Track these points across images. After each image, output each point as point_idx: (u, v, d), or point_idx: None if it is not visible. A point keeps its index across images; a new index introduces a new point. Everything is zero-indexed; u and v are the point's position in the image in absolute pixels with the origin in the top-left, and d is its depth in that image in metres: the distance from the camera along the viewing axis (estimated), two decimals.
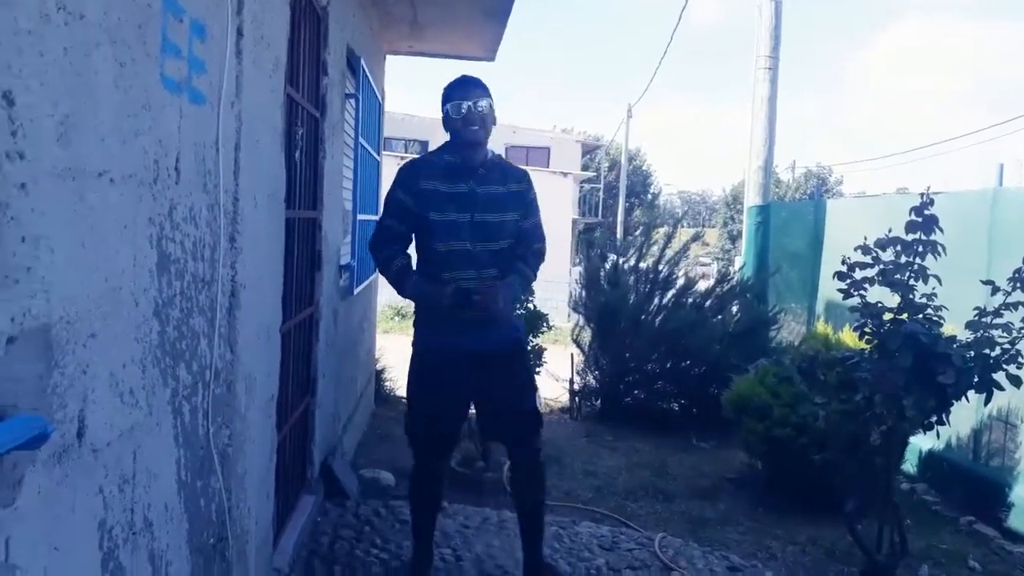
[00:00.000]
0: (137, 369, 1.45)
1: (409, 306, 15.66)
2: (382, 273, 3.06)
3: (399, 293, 2.98)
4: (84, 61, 1.15)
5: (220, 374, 1.96)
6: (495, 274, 2.86)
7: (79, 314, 1.20)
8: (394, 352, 7.78)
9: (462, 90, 2.88)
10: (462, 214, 2.84)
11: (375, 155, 5.58)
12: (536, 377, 3.05)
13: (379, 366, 6.95)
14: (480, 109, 2.83)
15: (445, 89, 2.94)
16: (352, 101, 4.41)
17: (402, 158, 18.01)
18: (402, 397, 6.93)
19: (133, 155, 1.37)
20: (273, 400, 2.62)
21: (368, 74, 4.78)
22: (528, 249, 3.02)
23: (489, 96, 2.90)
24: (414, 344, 3.05)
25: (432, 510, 3.13)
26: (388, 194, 2.98)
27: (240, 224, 2.06)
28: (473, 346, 2.83)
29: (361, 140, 4.64)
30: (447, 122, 2.91)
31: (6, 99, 0.96)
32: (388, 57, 6.47)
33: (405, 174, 2.92)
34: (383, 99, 6.05)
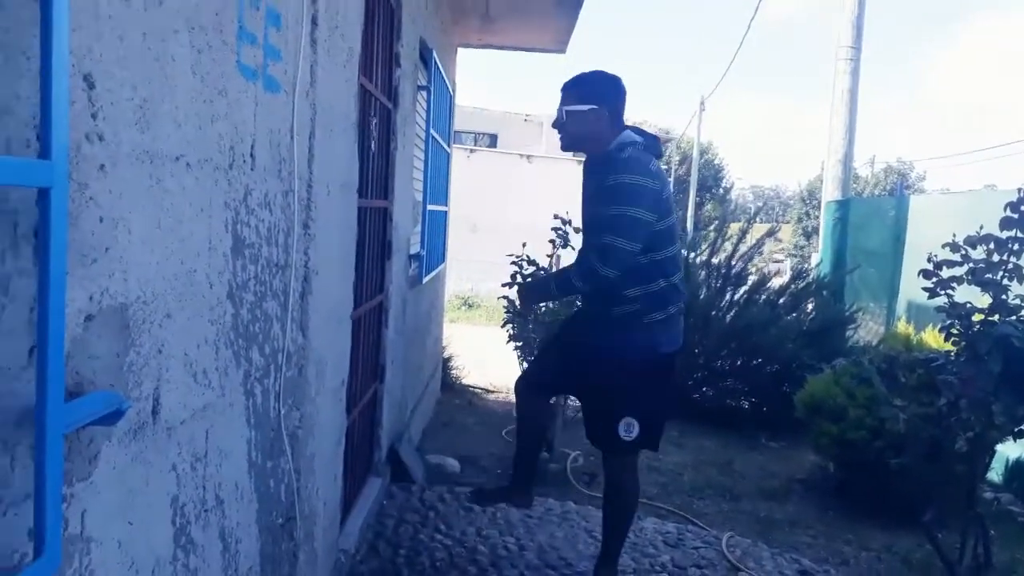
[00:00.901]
0: (211, 350, 1.48)
1: (476, 297, 15.69)
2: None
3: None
4: (162, 46, 1.18)
5: (292, 357, 2.00)
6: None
7: (155, 295, 1.23)
8: (460, 341, 7.86)
9: (561, 95, 2.91)
10: (581, 209, 2.98)
11: (446, 147, 5.62)
12: (634, 404, 2.81)
13: (445, 355, 7.02)
14: (568, 115, 2.85)
15: None
16: (424, 93, 4.45)
17: (471, 151, 18.15)
18: (468, 386, 7.05)
19: (209, 140, 1.40)
20: (343, 385, 2.66)
21: (440, 66, 4.81)
22: (586, 242, 2.93)
23: (582, 100, 2.81)
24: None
25: (539, 433, 3.23)
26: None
27: (314, 211, 2.09)
28: (581, 337, 2.92)
29: (432, 132, 4.67)
30: None
31: (87, 82, 0.98)
32: (459, 50, 6.50)
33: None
34: (454, 92, 6.08)
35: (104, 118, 1.02)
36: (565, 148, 3.01)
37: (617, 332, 2.79)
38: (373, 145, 3.05)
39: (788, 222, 33.69)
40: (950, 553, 3.31)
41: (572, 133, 2.87)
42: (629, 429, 2.78)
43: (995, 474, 4.89)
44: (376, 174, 3.24)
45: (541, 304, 4.54)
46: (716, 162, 44.38)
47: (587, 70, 2.91)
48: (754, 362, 5.99)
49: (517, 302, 2.93)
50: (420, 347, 5.00)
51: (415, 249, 4.45)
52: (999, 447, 4.29)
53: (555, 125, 2.90)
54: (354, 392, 2.99)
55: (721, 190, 43.98)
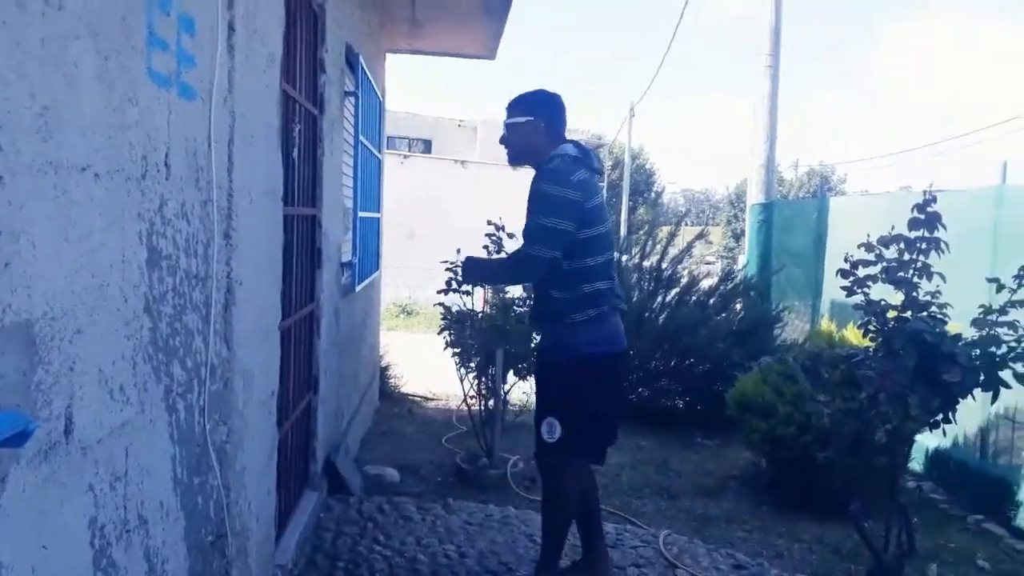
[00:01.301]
0: (128, 366, 1.43)
1: (414, 304, 15.52)
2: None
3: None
4: (63, 53, 1.14)
5: (216, 371, 1.95)
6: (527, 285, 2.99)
7: (64, 310, 1.18)
8: (399, 349, 7.79)
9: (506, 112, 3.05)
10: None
11: (376, 153, 5.57)
12: (554, 404, 2.89)
13: (384, 363, 6.95)
14: (504, 131, 3.02)
15: None
16: (351, 99, 4.40)
17: (405, 156, 18.04)
18: (408, 394, 6.99)
19: (119, 149, 1.36)
20: (273, 397, 2.61)
21: (367, 72, 4.77)
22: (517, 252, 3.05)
23: (514, 113, 3.01)
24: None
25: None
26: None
27: (235, 220, 2.04)
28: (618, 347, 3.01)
29: (361, 138, 4.62)
30: None
31: None
32: (389, 56, 6.46)
33: None
34: (384, 97, 6.04)
35: (0, 127, 0.98)
36: (512, 162, 3.07)
37: (544, 333, 3.01)
38: (298, 152, 3.00)
39: (718, 225, 34.53)
40: (876, 541, 3.44)
41: (514, 145, 3.01)
42: (551, 430, 2.84)
43: (916, 463, 5.10)
44: (303, 181, 3.19)
45: (478, 284, 4.59)
46: (647, 167, 45.13)
47: (529, 89, 3.06)
48: (687, 362, 6.11)
49: (459, 274, 3.01)
50: (356, 356, 4.94)
51: (347, 257, 4.40)
52: (919, 437, 4.48)
53: (501, 141, 3.03)
54: (286, 404, 2.93)
55: (653, 194, 44.76)
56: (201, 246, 1.82)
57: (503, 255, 3.06)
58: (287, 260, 2.85)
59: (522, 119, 2.97)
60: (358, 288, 4.68)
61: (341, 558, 3.14)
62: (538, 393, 2.99)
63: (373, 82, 5.12)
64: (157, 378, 1.57)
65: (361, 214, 4.70)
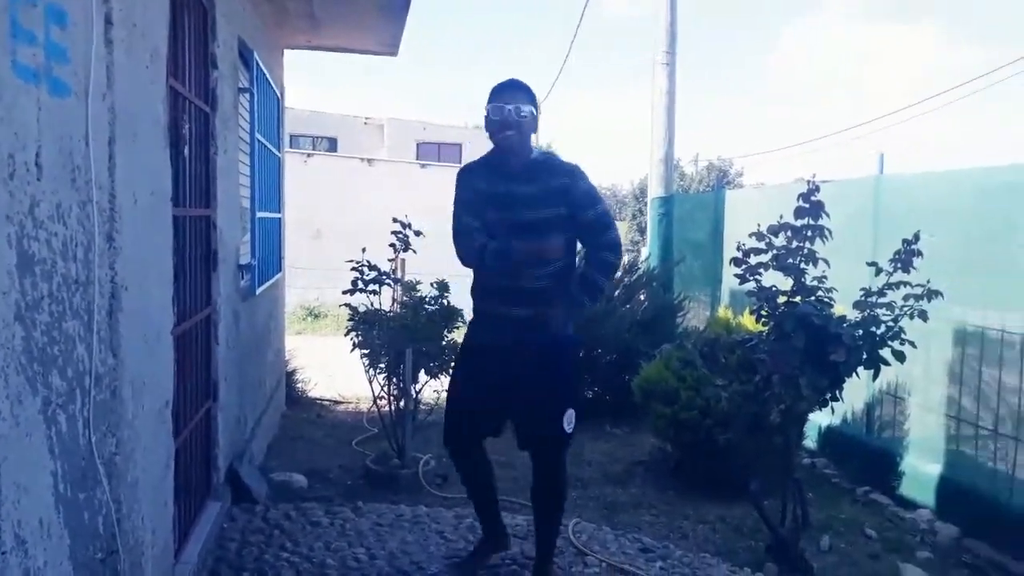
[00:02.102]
0: None
1: (322, 306, 15.17)
2: (474, 260, 2.99)
3: (500, 261, 2.92)
4: None
5: (102, 380, 1.87)
6: (536, 274, 2.89)
7: None
8: (307, 353, 7.63)
9: (507, 93, 2.89)
10: (502, 212, 2.90)
11: (275, 151, 5.43)
12: (575, 394, 3.03)
13: (290, 367, 6.79)
14: (522, 115, 2.87)
15: (490, 92, 2.93)
16: (246, 95, 4.28)
17: (308, 155, 17.66)
18: (316, 398, 6.84)
19: None
20: (168, 405, 2.51)
21: (263, 68, 4.65)
22: (594, 244, 3.00)
23: (532, 103, 2.93)
24: (464, 341, 3.18)
25: (486, 488, 3.17)
26: (455, 201, 3.04)
27: (119, 222, 1.96)
28: (517, 341, 2.88)
29: (258, 136, 4.50)
30: (487, 124, 2.92)
31: None
32: (288, 52, 6.31)
33: (462, 179, 3.05)
34: (282, 94, 5.89)
35: None
36: (510, 147, 2.89)
37: (561, 322, 2.95)
38: (187, 151, 2.89)
39: (624, 219, 35.29)
40: (773, 517, 3.61)
41: (524, 135, 2.91)
42: (571, 422, 2.96)
43: (810, 441, 5.37)
44: (195, 181, 3.08)
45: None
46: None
47: (510, 77, 3.00)
48: (595, 352, 6.23)
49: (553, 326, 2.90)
50: (259, 361, 4.81)
51: (246, 259, 4.27)
52: (811, 416, 4.72)
53: (509, 121, 2.84)
54: (183, 412, 2.83)
55: None
56: (81, 249, 1.73)
57: (593, 274, 2.97)
58: (180, 263, 2.75)
59: (534, 111, 2.94)
60: (259, 291, 4.55)
61: (246, 568, 3.05)
62: (557, 384, 2.93)
63: (270, 78, 4.99)
64: (33, 390, 1.48)
65: (260, 214, 4.58)
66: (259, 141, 4.54)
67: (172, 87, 2.59)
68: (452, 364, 3.20)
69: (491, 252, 2.88)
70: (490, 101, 2.89)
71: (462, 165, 3.14)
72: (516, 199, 2.89)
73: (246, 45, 4.17)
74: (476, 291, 3.05)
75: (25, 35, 1.43)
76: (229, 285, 3.64)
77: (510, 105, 2.84)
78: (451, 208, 3.03)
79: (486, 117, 2.91)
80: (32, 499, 1.49)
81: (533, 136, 3.04)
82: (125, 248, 1.99)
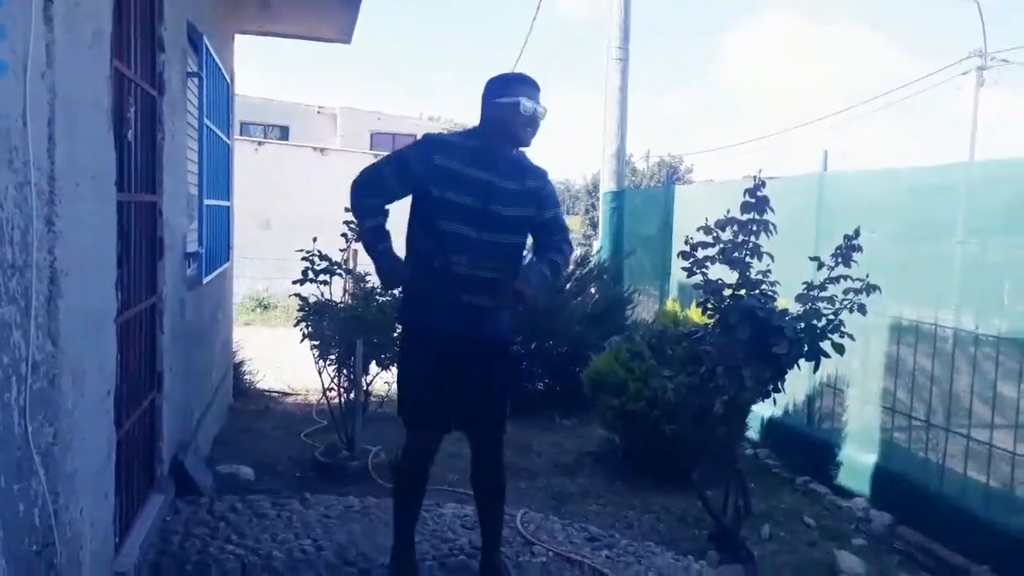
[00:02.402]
0: None
1: (272, 297, 14.85)
2: (356, 216, 2.91)
3: (365, 249, 2.88)
4: None
5: (39, 368, 1.82)
6: (494, 266, 2.82)
7: None
8: (256, 344, 7.52)
9: (534, 89, 2.81)
10: (476, 200, 2.78)
11: (224, 138, 5.33)
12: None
13: (238, 359, 6.69)
14: (541, 117, 2.83)
15: (510, 80, 2.84)
16: (195, 80, 4.19)
17: (260, 143, 17.35)
18: (264, 390, 6.75)
19: None
20: (110, 395, 2.46)
21: (213, 53, 4.55)
22: (552, 240, 2.99)
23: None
24: (406, 323, 3.01)
25: (420, 495, 3.07)
26: (398, 152, 2.89)
27: (58, 206, 1.91)
28: (473, 331, 2.83)
29: (207, 122, 4.41)
30: (503, 113, 2.78)
31: None
32: (241, 38, 6.19)
33: (423, 145, 2.84)
34: (232, 80, 5.78)
35: None
36: (521, 143, 2.86)
37: (503, 318, 2.98)
38: (132, 135, 2.82)
39: (577, 214, 35.50)
40: (716, 507, 3.70)
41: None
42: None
43: (753, 432, 5.51)
44: (141, 166, 3.01)
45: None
46: None
47: (521, 72, 2.93)
48: (546, 344, 6.28)
49: (531, 301, 2.79)
50: (206, 351, 4.72)
51: (192, 247, 4.19)
52: (754, 407, 4.84)
53: (538, 119, 2.82)
54: (126, 403, 2.77)
55: None
56: (18, 232, 1.68)
57: (554, 256, 2.95)
58: (124, 250, 2.69)
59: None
60: (206, 280, 4.47)
61: (189, 560, 3.00)
62: (504, 378, 3.02)
63: (220, 64, 4.89)
64: None
65: (208, 202, 4.49)
66: (208, 127, 4.46)
67: (117, 69, 2.52)
68: (400, 346, 3.07)
69: (377, 255, 2.83)
70: (518, 93, 2.77)
71: (432, 134, 2.92)
72: (497, 192, 2.82)
73: (195, 28, 4.08)
74: (427, 274, 2.85)
75: None
76: (175, 273, 3.57)
77: (541, 106, 2.81)
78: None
79: (508, 107, 2.76)
80: None
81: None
82: (65, 232, 1.94)
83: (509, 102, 2.76)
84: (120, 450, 2.63)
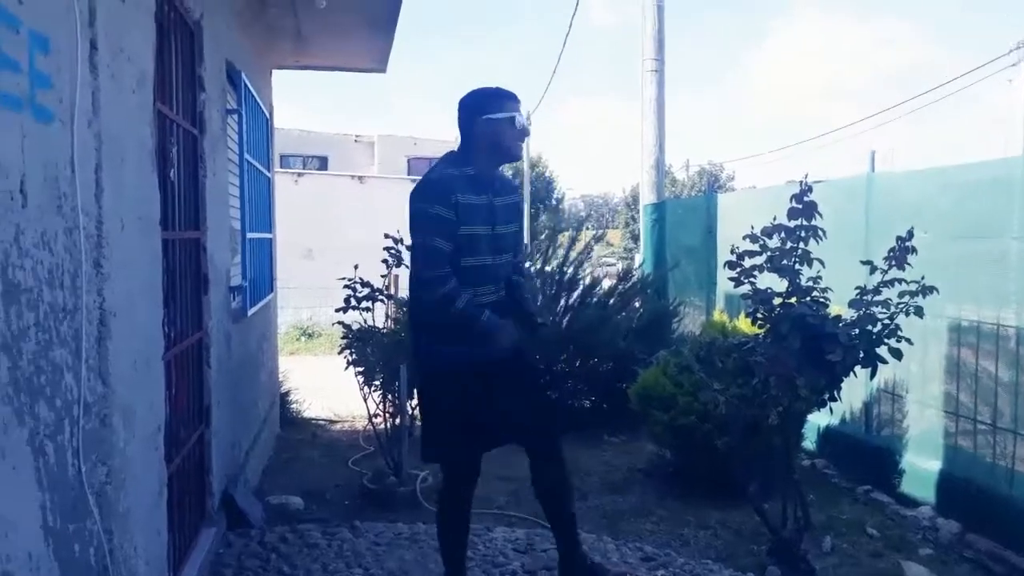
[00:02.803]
0: None
1: (316, 326, 15.01)
2: (447, 307, 2.71)
3: (475, 326, 2.74)
4: None
5: (91, 408, 1.84)
6: (499, 287, 2.85)
7: None
8: (301, 373, 7.58)
9: (518, 103, 2.82)
10: (485, 227, 2.79)
11: (265, 171, 5.42)
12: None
13: (284, 388, 6.75)
14: (529, 130, 2.85)
15: (500, 96, 2.82)
16: (235, 117, 4.27)
17: (299, 175, 17.65)
18: (311, 419, 6.80)
19: None
20: (160, 432, 2.49)
21: (251, 89, 4.64)
22: (518, 260, 3.03)
23: None
24: (434, 364, 2.85)
25: (465, 533, 3.02)
26: (422, 219, 2.73)
27: (106, 248, 1.94)
28: (500, 353, 2.79)
29: (247, 157, 4.49)
30: (497, 129, 2.77)
31: None
32: (276, 72, 6.31)
33: (437, 190, 2.72)
34: (271, 114, 5.89)
35: None
36: (512, 158, 2.90)
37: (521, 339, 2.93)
38: (175, 174, 2.88)
39: (617, 227, 35.38)
40: (774, 520, 3.59)
41: None
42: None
43: (809, 442, 5.36)
44: (184, 204, 3.06)
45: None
46: (547, 175, 45.78)
47: (500, 87, 2.90)
48: (591, 362, 6.21)
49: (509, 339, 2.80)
50: (252, 383, 4.78)
51: (236, 281, 4.25)
52: (809, 417, 4.71)
53: (527, 130, 2.84)
54: (176, 438, 2.80)
55: (553, 201, 45.44)
56: (68, 276, 1.71)
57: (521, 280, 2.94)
58: (170, 287, 2.73)
59: None
60: (250, 312, 4.53)
61: None
62: (536, 371, 3.14)
63: (258, 99, 4.99)
64: (19, 421, 1.46)
65: (250, 235, 4.56)
66: (248, 162, 4.53)
67: (159, 110, 2.57)
68: (425, 395, 2.97)
69: (486, 325, 2.71)
70: (508, 109, 2.76)
71: (433, 177, 2.79)
72: (498, 212, 2.84)
73: (234, 66, 4.17)
74: (446, 331, 2.78)
75: (8, 62, 1.42)
76: (220, 307, 3.62)
77: (527, 120, 2.84)
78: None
79: (502, 123, 2.75)
80: (20, 533, 1.47)
81: (526, 146, 3.08)
82: (113, 274, 1.97)
83: (503, 117, 2.76)
84: (171, 486, 2.66)
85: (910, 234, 3.39)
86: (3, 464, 1.39)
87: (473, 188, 2.77)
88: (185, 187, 3.10)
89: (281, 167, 15.11)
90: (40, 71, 1.59)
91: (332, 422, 6.76)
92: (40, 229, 1.58)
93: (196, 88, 3.32)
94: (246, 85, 4.45)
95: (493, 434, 2.90)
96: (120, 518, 2.01)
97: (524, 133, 2.79)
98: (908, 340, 3.34)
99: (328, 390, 7.10)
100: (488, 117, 2.76)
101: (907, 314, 3.33)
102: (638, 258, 9.03)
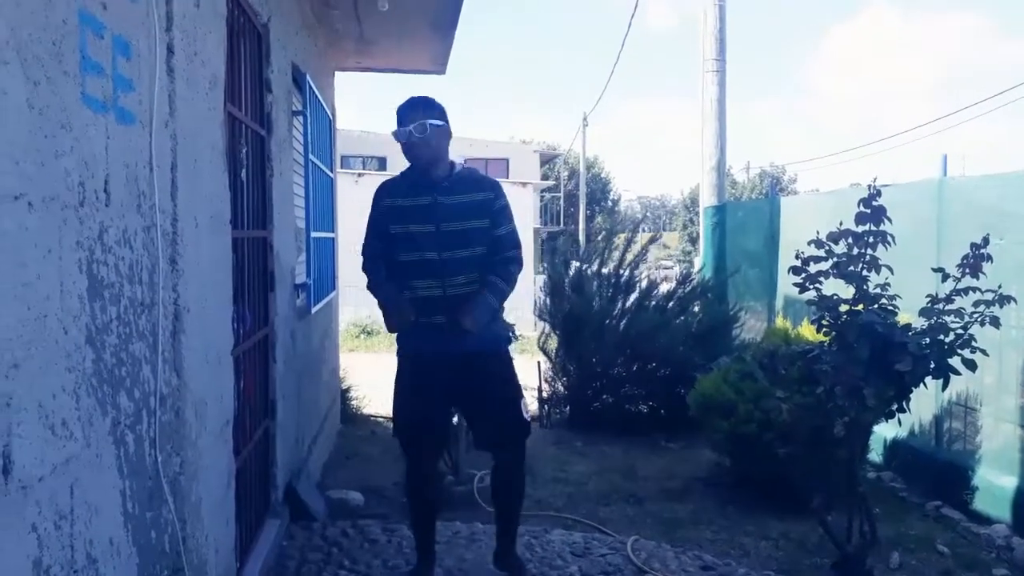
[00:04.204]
0: (70, 399, 1.39)
1: (375, 324, 15.32)
2: (372, 291, 3.14)
3: (373, 291, 3.13)
4: None
5: (167, 400, 1.90)
6: (463, 281, 2.99)
7: None
8: (360, 370, 7.70)
9: (405, 113, 3.00)
10: (425, 225, 2.99)
11: (328, 172, 5.52)
12: (521, 387, 3.20)
13: (344, 385, 6.86)
14: (418, 135, 2.95)
15: (397, 112, 3.03)
16: (300, 118, 4.36)
17: (359, 175, 17.94)
18: (370, 415, 6.89)
19: (54, 177, 1.32)
20: (229, 425, 2.55)
21: (316, 91, 4.74)
22: (499, 257, 3.07)
23: (433, 115, 3.00)
24: (398, 350, 3.18)
25: (428, 514, 3.18)
26: (369, 219, 3.15)
27: (181, 246, 2.00)
28: (454, 349, 2.98)
29: (312, 157, 4.58)
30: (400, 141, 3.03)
31: None
32: (338, 74, 6.42)
33: (376, 194, 3.14)
34: (334, 116, 5.99)
35: None
36: (426, 163, 3.01)
37: (492, 328, 3.07)
38: (244, 174, 2.95)
39: (675, 229, 34.99)
40: (839, 533, 3.49)
41: (435, 147, 3.00)
42: (526, 408, 3.15)
43: (875, 454, 5.21)
44: (252, 203, 3.14)
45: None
46: (603, 176, 45.57)
47: (411, 96, 3.06)
48: (649, 366, 6.16)
49: (474, 329, 2.96)
50: (315, 379, 4.87)
51: (301, 279, 4.34)
52: (876, 428, 4.57)
53: (418, 139, 2.94)
54: (243, 431, 2.87)
55: (609, 203, 45.21)
56: (146, 273, 1.78)
57: (495, 279, 3.04)
58: (238, 283, 2.80)
59: (445, 124, 3.05)
60: (314, 310, 4.62)
61: None
62: (508, 381, 3.10)
63: (322, 100, 5.08)
64: (103, 411, 1.52)
65: (314, 234, 4.65)
66: (312, 162, 4.63)
67: (230, 112, 2.65)
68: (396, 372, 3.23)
69: (384, 301, 3.04)
70: (398, 124, 2.98)
71: (384, 182, 3.23)
72: (442, 210, 2.98)
73: (299, 69, 4.26)
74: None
75: (94, 66, 1.47)
76: (286, 305, 3.70)
77: (410, 126, 2.95)
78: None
79: (398, 136, 2.99)
80: (103, 519, 1.52)
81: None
82: (187, 271, 2.03)
83: (394, 132, 3.00)
84: (238, 478, 2.72)
85: (985, 241, 3.26)
86: (88, 452, 1.44)
87: (411, 191, 3.03)
88: (253, 187, 3.18)
89: (342, 167, 15.36)
90: (122, 74, 1.65)
91: (391, 419, 6.84)
92: (122, 227, 1.63)
93: (263, 90, 3.41)
94: (311, 87, 4.54)
95: (439, 423, 3.18)
96: (192, 507, 2.07)
97: (406, 146, 2.98)
98: (983, 351, 3.21)
99: (386, 387, 7.18)
100: (392, 132, 3.04)
101: (982, 324, 3.21)
102: (697, 262, 8.90)
